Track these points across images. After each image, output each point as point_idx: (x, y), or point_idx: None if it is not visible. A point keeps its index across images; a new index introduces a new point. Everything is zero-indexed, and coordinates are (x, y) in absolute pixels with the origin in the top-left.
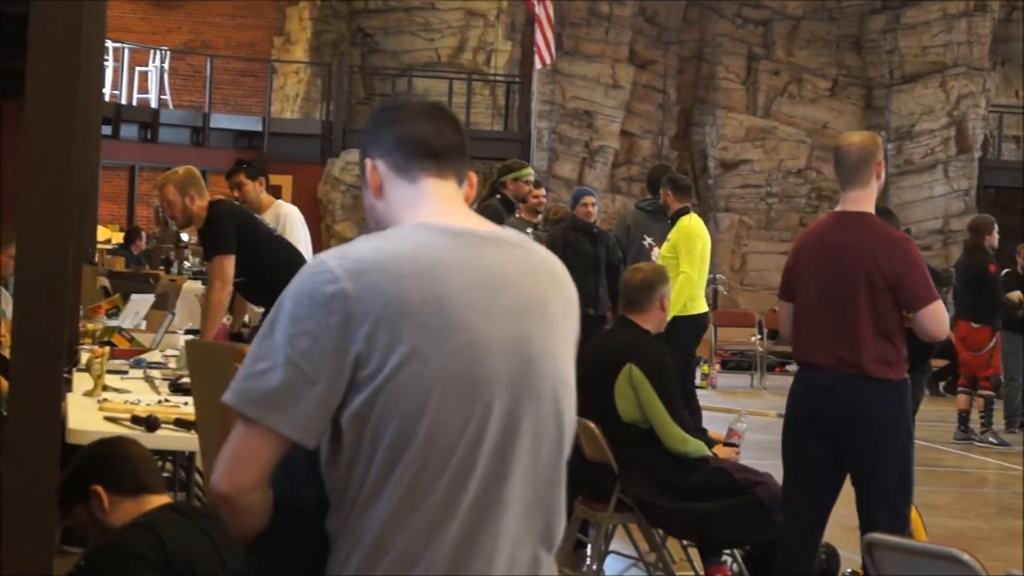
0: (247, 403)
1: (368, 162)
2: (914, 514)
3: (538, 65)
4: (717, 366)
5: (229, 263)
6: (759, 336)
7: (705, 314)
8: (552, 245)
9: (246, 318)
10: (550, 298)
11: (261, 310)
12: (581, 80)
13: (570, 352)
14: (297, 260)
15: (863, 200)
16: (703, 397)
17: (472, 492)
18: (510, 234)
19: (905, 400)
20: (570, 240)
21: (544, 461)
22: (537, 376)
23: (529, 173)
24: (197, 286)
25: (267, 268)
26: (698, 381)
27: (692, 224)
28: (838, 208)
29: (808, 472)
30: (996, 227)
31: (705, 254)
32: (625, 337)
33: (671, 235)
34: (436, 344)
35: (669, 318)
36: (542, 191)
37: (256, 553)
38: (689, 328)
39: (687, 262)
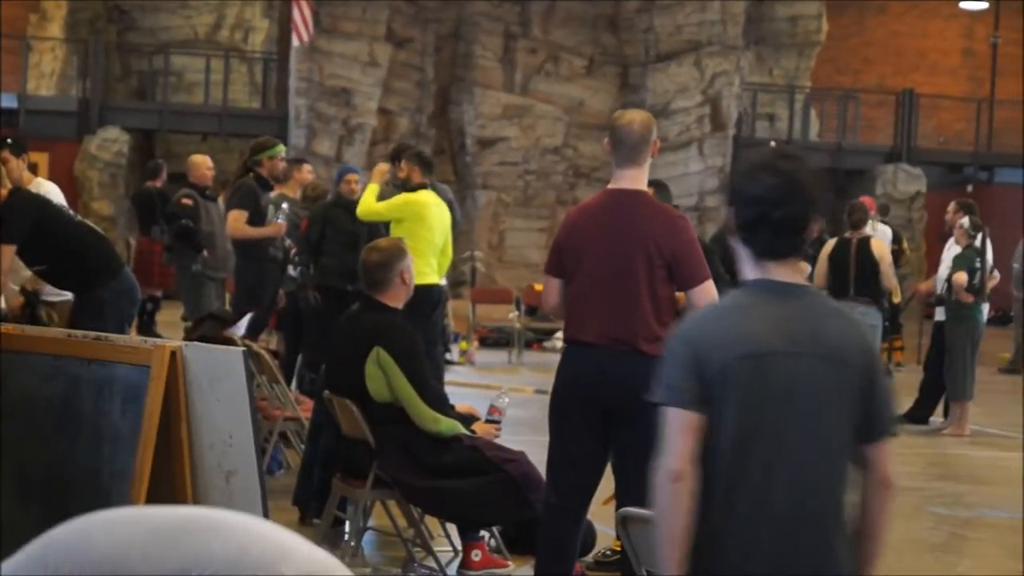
0: None
1: None
2: None
3: (296, 43)
4: (475, 343)
5: (9, 252)
6: (517, 313)
7: (433, 287)
8: (313, 220)
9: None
10: None
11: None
12: (339, 58)
13: None
14: (103, 247)
15: (639, 178)
16: (461, 374)
17: None
18: None
19: None
20: (331, 216)
21: None
22: None
23: (281, 150)
24: None
25: (72, 255)
26: (456, 357)
27: (425, 197)
28: (612, 186)
29: (576, 448)
30: None
31: (434, 226)
32: (371, 320)
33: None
34: None
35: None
36: (308, 167)
37: None
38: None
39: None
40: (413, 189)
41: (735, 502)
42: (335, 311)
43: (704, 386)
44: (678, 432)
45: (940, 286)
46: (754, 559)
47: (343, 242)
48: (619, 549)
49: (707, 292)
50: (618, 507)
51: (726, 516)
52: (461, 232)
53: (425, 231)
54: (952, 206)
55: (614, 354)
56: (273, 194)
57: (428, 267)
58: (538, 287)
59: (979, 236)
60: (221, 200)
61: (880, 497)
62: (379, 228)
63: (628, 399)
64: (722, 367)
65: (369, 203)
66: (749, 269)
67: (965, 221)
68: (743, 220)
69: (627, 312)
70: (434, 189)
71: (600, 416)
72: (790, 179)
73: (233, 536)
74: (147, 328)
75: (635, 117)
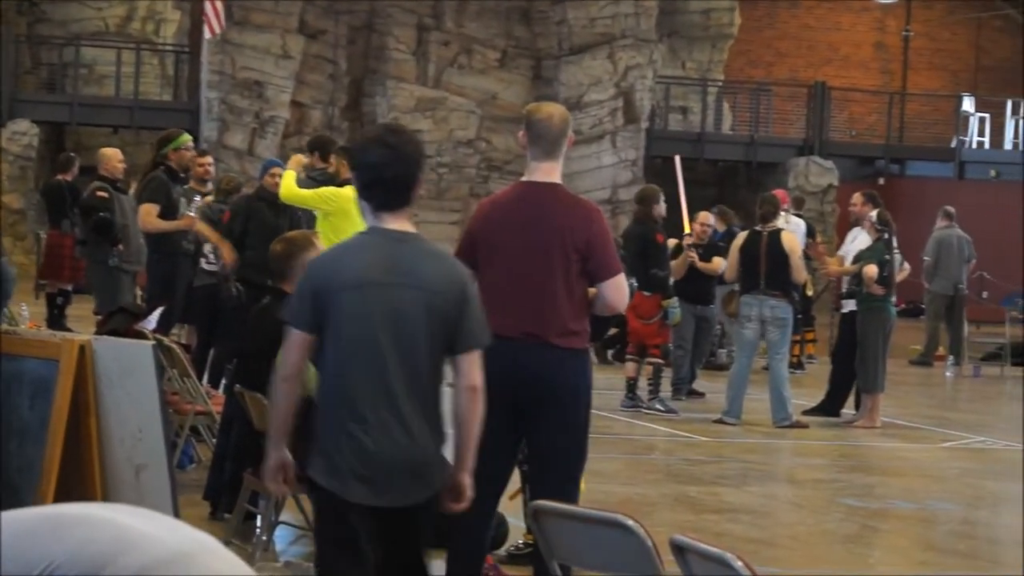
0: None
1: None
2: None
3: (207, 35)
4: None
5: None
6: None
7: None
8: (235, 214)
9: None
10: None
11: None
12: (251, 50)
13: None
14: None
15: (554, 171)
16: None
17: None
18: None
19: (587, 369)
20: (254, 209)
21: None
22: None
23: (187, 140)
24: None
25: None
26: None
27: (353, 192)
28: (527, 178)
29: (488, 441)
30: (663, 197)
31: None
32: (280, 312)
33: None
34: None
35: None
36: (208, 159)
37: None
38: None
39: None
40: (341, 184)
41: (339, 402)
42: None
43: (318, 312)
44: (293, 346)
45: (846, 278)
46: (348, 446)
47: (265, 235)
48: (531, 542)
49: (618, 286)
50: (529, 500)
51: (331, 413)
52: None
53: (351, 227)
54: (857, 197)
55: (527, 347)
56: (184, 187)
57: None
58: None
59: (888, 229)
60: (132, 193)
61: (467, 397)
62: (300, 221)
63: (540, 392)
64: (334, 295)
65: (292, 187)
66: (369, 219)
67: (874, 215)
68: (362, 182)
69: (541, 305)
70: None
71: (512, 409)
72: (396, 150)
73: (75, 533)
74: (57, 322)
75: (553, 111)
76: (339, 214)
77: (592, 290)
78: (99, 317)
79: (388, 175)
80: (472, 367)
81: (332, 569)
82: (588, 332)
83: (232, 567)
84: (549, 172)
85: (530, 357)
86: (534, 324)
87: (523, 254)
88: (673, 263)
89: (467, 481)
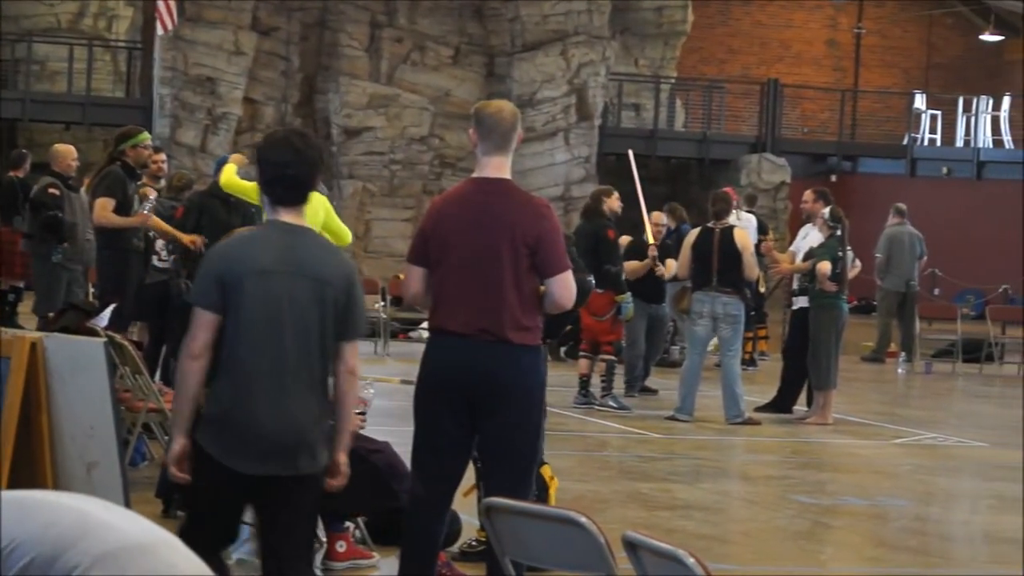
0: None
1: None
2: (547, 472)
3: (160, 31)
4: None
5: None
6: (383, 303)
7: None
8: (189, 210)
9: None
10: None
11: None
12: (203, 47)
13: None
14: None
15: (504, 167)
16: None
17: None
18: None
19: (540, 366)
20: (207, 206)
21: None
22: None
23: (146, 138)
24: None
25: None
26: None
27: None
28: (477, 174)
29: (442, 438)
30: (616, 194)
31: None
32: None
33: None
34: None
35: None
36: (162, 156)
37: None
38: None
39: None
40: None
41: (233, 377)
42: None
43: (222, 294)
44: (200, 326)
45: (798, 275)
46: (238, 418)
47: (218, 232)
48: (484, 539)
49: (566, 282)
50: (482, 497)
51: (226, 387)
52: None
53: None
54: (809, 194)
55: (479, 344)
56: (139, 183)
57: None
58: (404, 277)
59: (840, 226)
60: (84, 189)
61: (346, 380)
62: (253, 217)
63: (493, 388)
64: (237, 280)
65: (233, 176)
66: (269, 213)
67: (826, 212)
68: (265, 178)
69: (493, 301)
70: None
71: (465, 405)
72: (300, 152)
73: (38, 515)
74: (9, 320)
75: (503, 106)
76: None
77: (542, 285)
78: (37, 314)
79: (290, 174)
80: (352, 353)
81: (195, 537)
82: (540, 328)
83: (189, 562)
84: (499, 167)
85: (483, 353)
86: (486, 320)
87: (474, 251)
88: (634, 264)
89: (343, 459)
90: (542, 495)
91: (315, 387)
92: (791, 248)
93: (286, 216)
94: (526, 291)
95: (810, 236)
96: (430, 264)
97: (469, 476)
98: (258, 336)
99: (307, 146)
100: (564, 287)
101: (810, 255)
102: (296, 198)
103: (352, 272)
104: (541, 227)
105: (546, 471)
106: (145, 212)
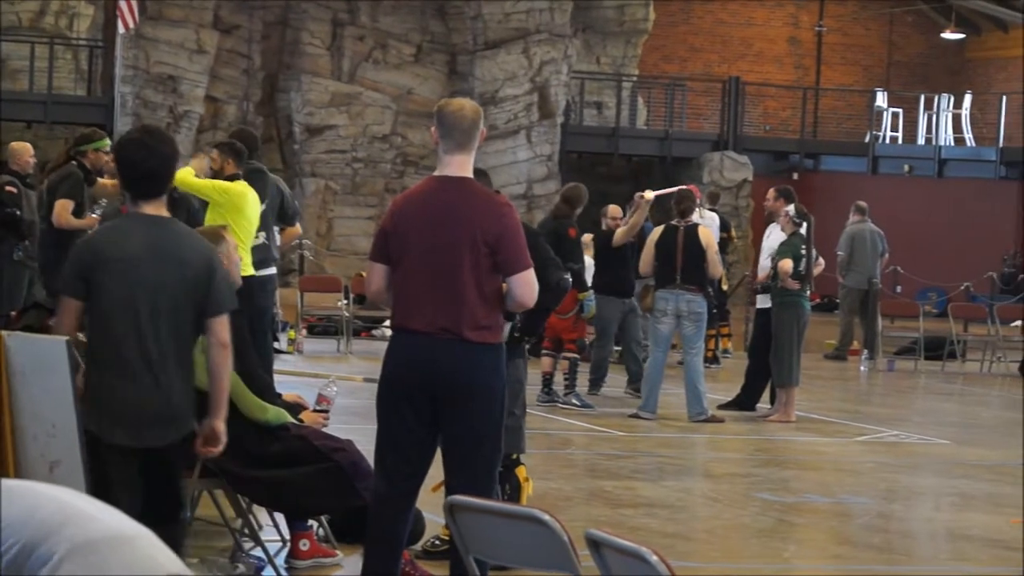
0: None
1: None
2: (521, 474)
3: (121, 30)
4: (304, 331)
5: None
6: (345, 301)
7: (248, 277)
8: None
9: None
10: None
11: None
12: (165, 45)
13: None
14: None
15: (466, 165)
16: (290, 363)
17: None
18: None
19: (501, 364)
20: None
21: None
22: None
23: (107, 144)
24: None
25: None
26: (285, 346)
27: (243, 188)
28: (439, 172)
29: (404, 436)
30: (586, 196)
31: (252, 217)
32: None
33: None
34: None
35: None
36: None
37: None
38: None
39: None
40: (228, 179)
41: (104, 358)
42: None
43: (87, 281)
44: (67, 312)
45: (763, 272)
46: (111, 395)
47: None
48: (448, 538)
49: (527, 281)
50: (447, 494)
51: (98, 367)
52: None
53: (243, 221)
54: (771, 193)
55: (441, 342)
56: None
57: (248, 256)
58: (366, 274)
59: (804, 224)
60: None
61: (218, 352)
62: (198, 213)
63: (454, 387)
64: (102, 268)
65: (188, 176)
66: (131, 207)
67: (791, 209)
68: (123, 176)
69: (454, 300)
70: (263, 180)
71: (428, 403)
72: (151, 147)
73: (21, 502)
74: None
75: (465, 103)
76: (229, 207)
77: (504, 282)
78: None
79: (145, 169)
80: (222, 328)
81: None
82: (501, 327)
83: (166, 556)
84: (461, 166)
85: (444, 352)
86: (447, 319)
87: (435, 249)
88: (627, 227)
89: (221, 427)
90: (515, 496)
91: (181, 365)
92: (763, 246)
93: (147, 208)
94: (487, 290)
95: (774, 235)
96: (391, 262)
97: (438, 472)
98: (124, 320)
99: (160, 142)
100: (526, 285)
101: (777, 253)
102: (154, 191)
103: (211, 253)
104: (502, 225)
105: (521, 472)
106: (95, 216)
